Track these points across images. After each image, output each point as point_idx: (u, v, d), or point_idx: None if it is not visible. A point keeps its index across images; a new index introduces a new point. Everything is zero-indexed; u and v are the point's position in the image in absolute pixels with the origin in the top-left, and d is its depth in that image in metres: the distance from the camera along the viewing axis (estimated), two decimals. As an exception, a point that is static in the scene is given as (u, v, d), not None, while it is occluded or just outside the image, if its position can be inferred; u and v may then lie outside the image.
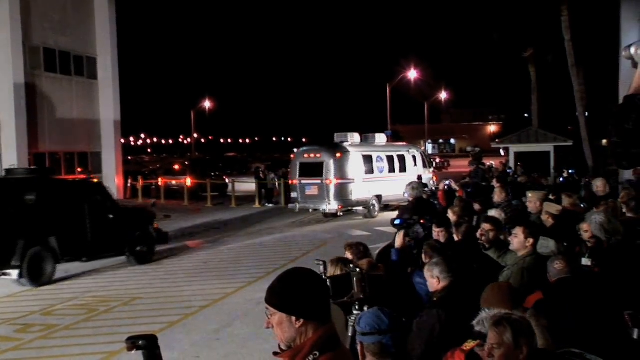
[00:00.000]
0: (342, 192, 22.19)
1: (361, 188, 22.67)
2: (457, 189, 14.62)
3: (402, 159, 25.43)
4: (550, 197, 10.29)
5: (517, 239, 5.75)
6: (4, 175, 14.90)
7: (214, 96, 72.53)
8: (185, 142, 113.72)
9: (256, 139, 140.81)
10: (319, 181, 22.28)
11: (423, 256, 6.04)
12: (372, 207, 23.17)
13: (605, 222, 5.93)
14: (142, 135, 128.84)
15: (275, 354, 2.50)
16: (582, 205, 9.24)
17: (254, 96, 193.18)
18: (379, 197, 23.29)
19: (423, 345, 4.20)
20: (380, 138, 25.79)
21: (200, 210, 27.07)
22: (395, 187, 22.41)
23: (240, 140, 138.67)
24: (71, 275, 13.73)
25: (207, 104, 68.58)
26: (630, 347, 3.13)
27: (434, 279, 4.88)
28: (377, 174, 23.65)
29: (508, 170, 23.68)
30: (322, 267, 4.53)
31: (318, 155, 22.74)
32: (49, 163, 26.46)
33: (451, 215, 8.15)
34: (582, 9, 28.20)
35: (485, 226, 6.28)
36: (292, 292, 2.44)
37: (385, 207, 23.88)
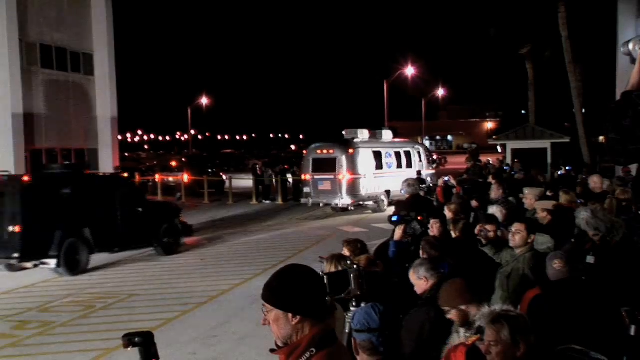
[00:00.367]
0: (354, 187, 22.78)
1: (371, 183, 23.33)
2: (455, 185, 14.62)
3: (408, 155, 26.07)
4: (548, 193, 10.30)
5: (520, 235, 5.75)
6: (45, 171, 16.38)
7: (211, 93, 72.15)
8: (183, 138, 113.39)
9: (253, 135, 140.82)
10: (332, 176, 22.78)
11: (421, 252, 6.06)
12: (381, 202, 23.71)
13: (590, 218, 5.95)
14: (139, 132, 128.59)
15: (272, 350, 2.50)
16: (579, 202, 9.24)
17: (251, 93, 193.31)
18: (387, 192, 23.62)
19: (413, 343, 4.20)
20: (387, 134, 26.23)
21: (197, 207, 27.05)
22: None
23: (237, 137, 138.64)
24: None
25: (204, 101, 68.43)
26: (627, 343, 3.13)
27: (421, 280, 4.87)
28: (386, 170, 24.30)
29: (505, 167, 23.73)
30: (324, 264, 4.55)
31: (331, 151, 23.22)
32: (46, 160, 26.42)
33: (448, 213, 8.15)
34: (579, 5, 28.20)
35: (488, 227, 6.29)
36: (288, 289, 2.43)
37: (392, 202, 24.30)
